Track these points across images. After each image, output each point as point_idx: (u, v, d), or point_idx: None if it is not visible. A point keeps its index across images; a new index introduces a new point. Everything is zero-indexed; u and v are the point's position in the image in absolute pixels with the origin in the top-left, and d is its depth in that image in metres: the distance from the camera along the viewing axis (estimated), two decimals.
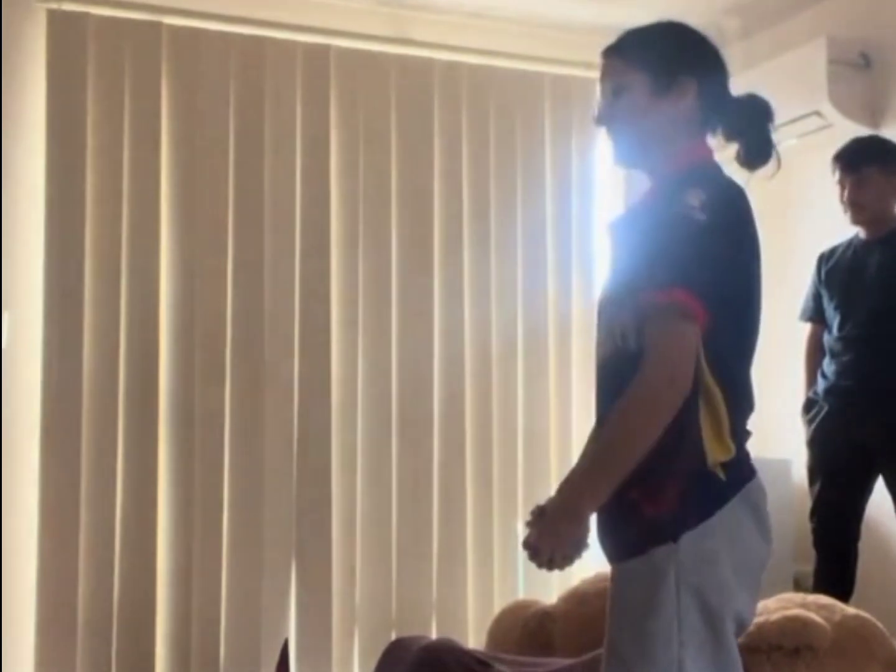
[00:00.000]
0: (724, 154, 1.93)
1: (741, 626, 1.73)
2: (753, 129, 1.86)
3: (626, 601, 1.72)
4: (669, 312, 1.66)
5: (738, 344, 1.79)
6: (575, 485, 1.76)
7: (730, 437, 1.70)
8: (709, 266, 1.69)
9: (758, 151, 1.86)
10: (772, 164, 1.87)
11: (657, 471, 1.68)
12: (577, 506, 1.71)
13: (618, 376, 1.73)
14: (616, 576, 1.76)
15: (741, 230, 1.77)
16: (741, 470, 1.72)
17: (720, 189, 1.77)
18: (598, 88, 1.91)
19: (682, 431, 1.68)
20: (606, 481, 1.68)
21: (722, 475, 1.68)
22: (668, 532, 1.67)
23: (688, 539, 1.66)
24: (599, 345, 1.84)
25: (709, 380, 1.70)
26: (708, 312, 1.67)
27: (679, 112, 1.83)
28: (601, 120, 1.89)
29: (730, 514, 1.68)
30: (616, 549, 1.77)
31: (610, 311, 1.81)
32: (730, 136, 1.88)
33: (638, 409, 1.66)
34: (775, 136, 1.86)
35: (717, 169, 1.85)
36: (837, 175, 3.52)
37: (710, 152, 1.88)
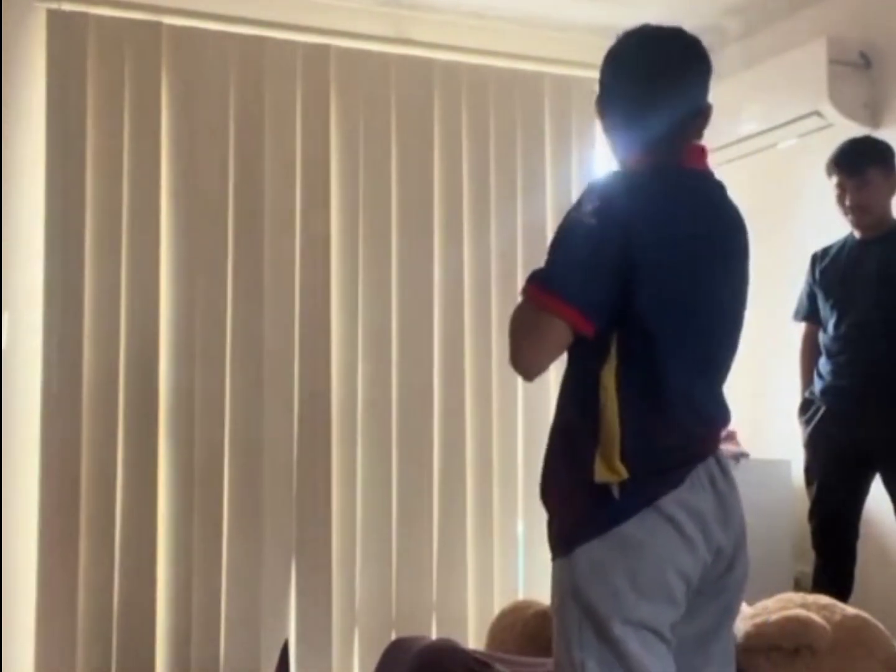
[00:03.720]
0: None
1: (654, 632, 1.76)
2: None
3: (551, 601, 1.85)
4: (528, 305, 1.77)
5: (673, 356, 1.79)
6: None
7: (623, 462, 1.74)
8: (589, 275, 1.75)
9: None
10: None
11: (559, 483, 1.84)
12: None
13: (563, 380, 1.90)
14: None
15: (628, 241, 1.74)
16: (646, 487, 1.75)
17: (613, 197, 1.78)
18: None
19: (575, 448, 1.79)
20: None
21: (615, 493, 1.75)
22: (565, 545, 1.79)
23: (581, 551, 1.76)
24: None
25: (610, 402, 1.76)
26: (587, 318, 1.73)
27: (605, 132, 1.94)
28: None
29: (631, 528, 1.74)
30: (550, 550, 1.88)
31: None
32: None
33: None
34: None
35: (646, 175, 1.85)
36: (836, 179, 3.51)
37: (654, 155, 1.87)
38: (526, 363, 1.78)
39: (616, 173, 1.88)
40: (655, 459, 1.77)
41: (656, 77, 1.86)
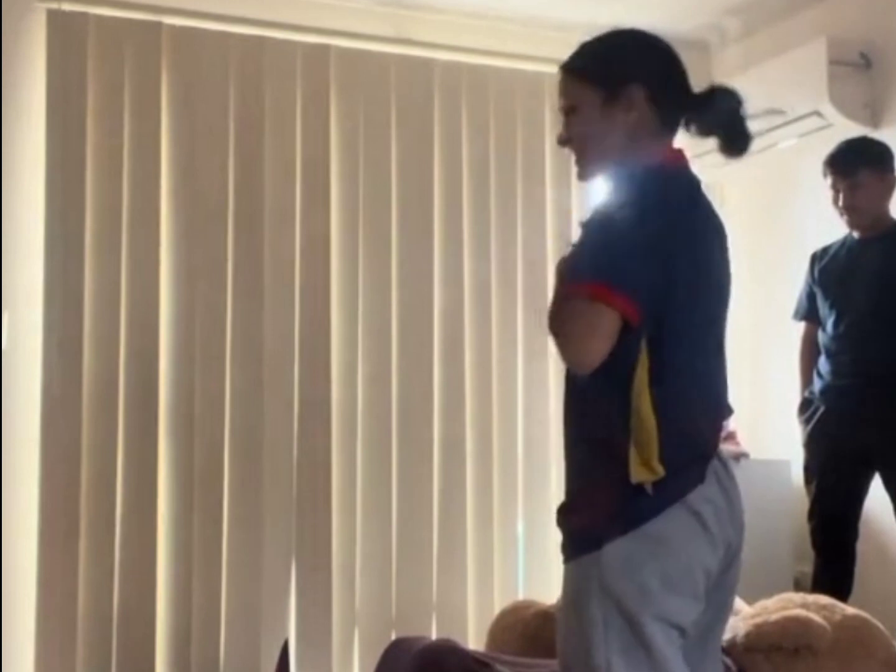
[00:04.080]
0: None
1: (679, 629, 1.77)
2: (723, 119, 1.87)
3: (564, 604, 1.83)
4: (576, 297, 1.71)
5: (698, 353, 1.82)
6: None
7: (659, 461, 1.74)
8: (634, 264, 1.72)
9: (734, 139, 1.88)
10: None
11: (585, 484, 1.81)
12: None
13: (573, 380, 1.84)
14: (563, 578, 1.85)
15: (664, 233, 1.74)
16: (676, 484, 1.76)
17: (655, 188, 1.78)
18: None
19: (610, 452, 1.76)
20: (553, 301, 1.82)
21: (650, 490, 1.74)
22: (593, 540, 1.75)
23: (610, 548, 1.73)
24: None
25: (644, 401, 1.74)
26: (638, 307, 1.70)
27: (631, 120, 1.86)
28: (561, 140, 1.94)
29: (661, 524, 1.74)
30: (562, 551, 1.86)
31: None
32: (703, 132, 1.90)
33: (549, 327, 1.76)
34: (749, 121, 1.87)
35: (668, 169, 1.85)
36: (830, 180, 3.51)
37: (670, 153, 1.88)
38: (582, 356, 1.72)
39: (644, 169, 1.83)
40: (686, 456, 1.77)
41: (685, 79, 1.90)
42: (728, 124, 1.87)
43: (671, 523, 1.74)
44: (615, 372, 1.75)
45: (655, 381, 1.75)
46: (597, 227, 1.77)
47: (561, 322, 1.73)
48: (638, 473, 1.73)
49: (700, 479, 1.77)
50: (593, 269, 1.73)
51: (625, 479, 1.74)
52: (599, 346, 1.70)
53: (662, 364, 1.75)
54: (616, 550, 1.73)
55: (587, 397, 1.83)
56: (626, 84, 1.85)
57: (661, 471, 1.73)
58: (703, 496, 1.77)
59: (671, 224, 1.74)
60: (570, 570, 1.81)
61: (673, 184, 1.82)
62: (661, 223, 1.73)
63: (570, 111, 1.90)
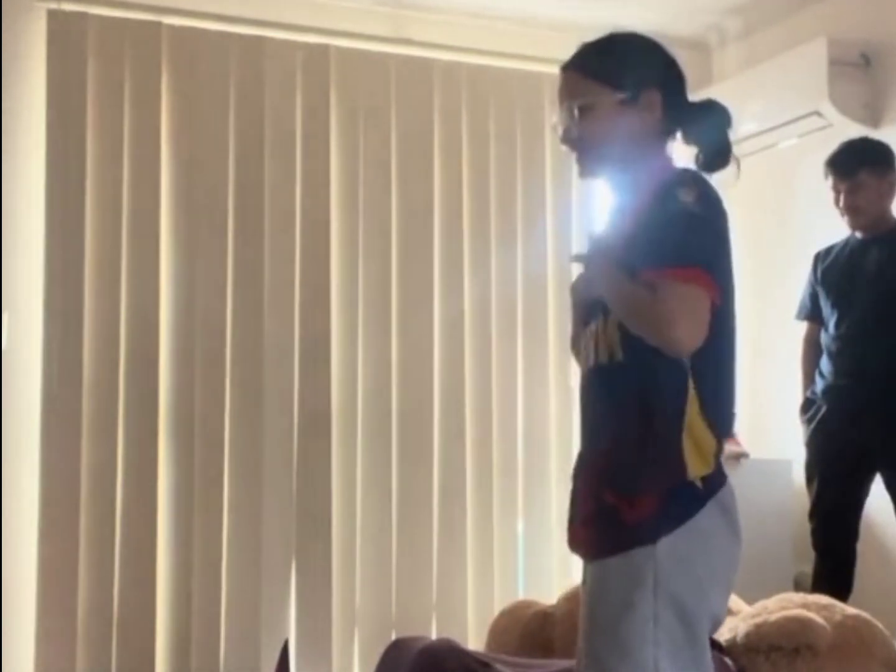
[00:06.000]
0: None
1: (715, 623, 1.79)
2: (712, 134, 1.89)
3: (603, 599, 1.76)
4: (683, 281, 1.69)
5: (730, 350, 1.83)
6: (612, 279, 1.81)
7: (712, 457, 1.76)
8: (712, 255, 1.75)
9: (716, 156, 1.89)
10: (731, 168, 1.89)
11: (639, 483, 1.75)
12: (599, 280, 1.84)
13: (611, 384, 1.81)
14: (593, 574, 1.80)
15: (727, 227, 1.80)
16: (716, 477, 1.77)
17: (708, 187, 1.81)
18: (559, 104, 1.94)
19: (667, 454, 1.74)
20: (618, 297, 1.79)
21: (699, 485, 1.74)
22: (648, 535, 1.72)
23: (666, 542, 1.71)
24: (593, 351, 1.86)
25: (699, 421, 1.74)
26: (718, 287, 1.72)
27: (646, 123, 1.87)
28: (568, 139, 1.93)
29: (704, 518, 1.74)
30: (594, 547, 1.82)
31: (602, 321, 1.84)
32: (689, 140, 1.92)
33: (642, 316, 1.73)
34: (733, 141, 1.89)
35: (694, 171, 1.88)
36: (831, 181, 3.52)
37: (669, 159, 1.92)
38: (687, 337, 1.68)
39: (691, 168, 1.86)
40: (720, 451, 1.79)
41: (686, 88, 1.94)
42: (714, 141, 1.88)
43: (709, 518, 1.74)
44: (679, 362, 1.74)
45: (705, 374, 1.75)
46: (669, 221, 1.74)
47: (663, 306, 1.68)
48: (695, 468, 1.73)
49: (725, 475, 1.79)
50: (682, 255, 1.71)
51: (678, 472, 1.73)
52: (703, 328, 1.69)
53: (710, 359, 1.75)
54: (671, 545, 1.71)
55: (641, 389, 1.79)
56: (645, 88, 1.86)
57: (713, 465, 1.75)
58: (729, 491, 1.78)
59: (727, 226, 1.79)
60: (615, 564, 1.75)
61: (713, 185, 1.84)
62: (727, 219, 1.79)
63: (582, 109, 1.89)
